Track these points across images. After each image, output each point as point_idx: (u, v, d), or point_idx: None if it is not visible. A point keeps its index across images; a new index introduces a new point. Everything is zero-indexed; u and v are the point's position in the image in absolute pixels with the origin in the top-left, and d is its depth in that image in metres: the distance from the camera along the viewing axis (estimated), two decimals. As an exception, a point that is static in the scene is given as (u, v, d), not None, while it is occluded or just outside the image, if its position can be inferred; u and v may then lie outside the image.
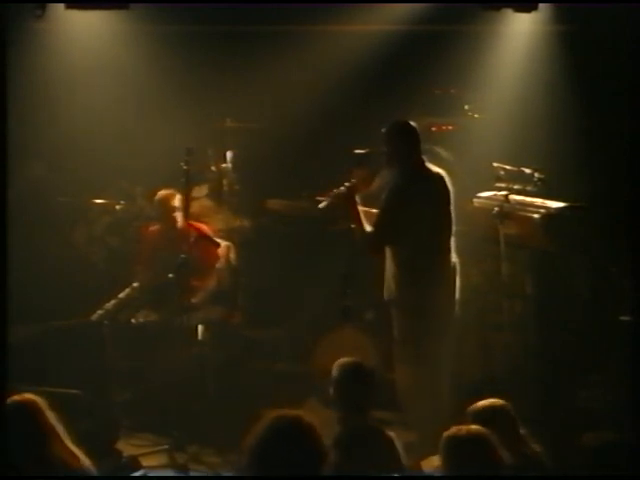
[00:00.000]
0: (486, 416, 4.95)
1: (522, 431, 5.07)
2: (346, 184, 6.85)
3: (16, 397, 4.74)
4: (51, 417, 4.71)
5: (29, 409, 4.70)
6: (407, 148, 6.81)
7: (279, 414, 3.60)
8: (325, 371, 5.73)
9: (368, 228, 6.75)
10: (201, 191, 8.92)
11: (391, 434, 5.39)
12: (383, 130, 6.84)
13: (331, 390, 5.41)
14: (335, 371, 5.38)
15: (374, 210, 6.88)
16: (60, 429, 4.71)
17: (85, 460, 4.72)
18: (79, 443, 4.90)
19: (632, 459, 4.63)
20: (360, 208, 6.83)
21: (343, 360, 5.44)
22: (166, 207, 8.06)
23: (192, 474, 6.92)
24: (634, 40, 7.40)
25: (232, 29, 8.92)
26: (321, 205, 6.99)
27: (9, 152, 7.08)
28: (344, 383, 5.30)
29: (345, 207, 6.88)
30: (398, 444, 5.33)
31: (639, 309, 6.89)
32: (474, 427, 4.46)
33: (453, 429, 4.45)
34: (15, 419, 4.68)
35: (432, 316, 6.77)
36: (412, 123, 6.89)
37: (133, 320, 8.00)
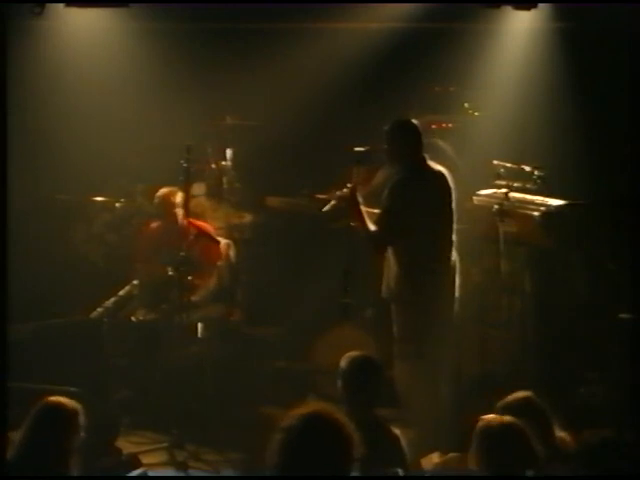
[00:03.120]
0: (517, 409, 4.91)
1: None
2: (348, 185, 6.88)
3: (54, 399, 4.74)
4: (82, 421, 4.72)
5: (66, 413, 4.69)
6: (409, 146, 6.85)
7: (304, 411, 3.57)
8: (325, 369, 5.72)
9: (373, 228, 6.78)
10: (201, 189, 8.92)
11: (396, 431, 5.37)
12: (385, 128, 6.88)
13: (339, 383, 5.37)
14: (344, 364, 5.34)
15: (376, 211, 6.90)
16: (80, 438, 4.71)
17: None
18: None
19: (631, 456, 4.63)
20: (363, 209, 6.85)
21: (352, 353, 5.40)
22: (167, 204, 8.07)
23: (191, 472, 6.92)
24: (634, 38, 7.42)
25: (232, 27, 8.92)
26: (325, 208, 7.05)
27: (9, 151, 7.13)
28: (353, 376, 5.25)
29: (348, 209, 6.91)
30: (403, 442, 5.32)
31: (638, 307, 6.92)
32: (508, 417, 4.47)
33: (488, 417, 4.48)
34: (50, 422, 4.66)
35: (432, 313, 6.80)
36: (414, 121, 6.94)
37: (133, 318, 8.02)
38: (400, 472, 4.42)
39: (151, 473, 6.47)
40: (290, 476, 3.48)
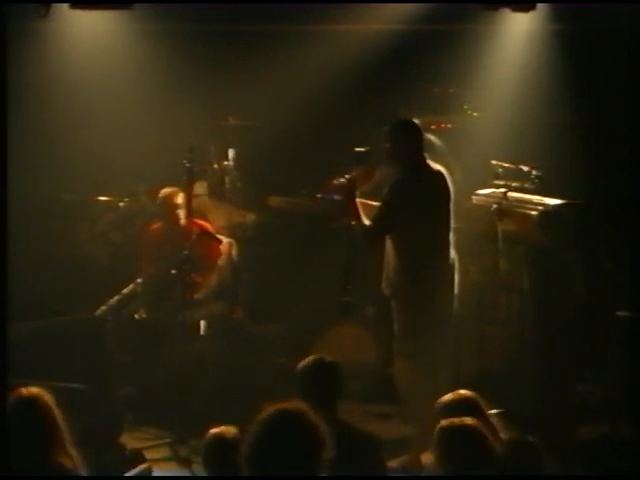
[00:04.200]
0: (454, 409, 4.91)
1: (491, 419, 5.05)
2: (346, 176, 6.95)
3: (24, 390, 4.59)
4: (57, 414, 4.58)
5: (39, 404, 4.54)
6: (409, 145, 6.90)
7: (279, 407, 3.58)
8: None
9: (366, 221, 6.83)
10: (203, 188, 8.95)
11: (368, 431, 5.35)
12: (386, 128, 6.93)
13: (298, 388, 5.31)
14: (298, 369, 5.31)
15: (372, 202, 6.96)
16: (64, 427, 4.59)
17: (79, 464, 4.57)
18: (83, 437, 4.91)
19: (628, 453, 4.68)
20: (359, 200, 6.91)
21: (306, 358, 5.35)
22: (169, 204, 8.09)
23: (194, 468, 6.88)
24: (633, 38, 7.45)
25: (234, 29, 8.95)
26: (320, 195, 7.10)
27: (14, 150, 7.15)
28: (305, 380, 5.23)
29: (344, 199, 6.98)
30: (377, 441, 5.28)
31: (635, 304, 6.94)
32: (466, 419, 4.50)
33: (446, 421, 4.49)
34: (24, 414, 4.51)
35: (431, 311, 6.85)
36: (415, 121, 7.00)
37: (136, 315, 8.07)
38: None
39: (154, 471, 6.52)
40: (290, 476, 3.48)
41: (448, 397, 5.06)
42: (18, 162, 7.78)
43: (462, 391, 5.14)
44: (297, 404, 3.67)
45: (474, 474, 4.33)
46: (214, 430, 4.69)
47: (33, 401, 4.55)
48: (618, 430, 5.02)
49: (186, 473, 6.89)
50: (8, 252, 4.95)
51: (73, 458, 4.52)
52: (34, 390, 4.61)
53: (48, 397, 4.59)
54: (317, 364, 5.26)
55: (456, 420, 4.48)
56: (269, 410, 3.55)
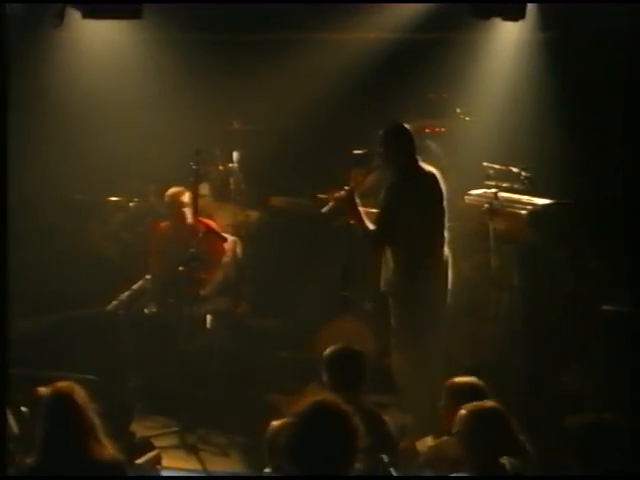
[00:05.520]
0: (464, 393, 5.20)
1: None
2: (346, 188, 7.11)
3: (60, 385, 4.74)
4: (87, 408, 4.72)
5: (75, 400, 4.68)
6: (402, 149, 7.09)
7: (315, 400, 3.68)
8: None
9: (370, 226, 7.03)
10: (209, 189, 9.11)
11: (385, 417, 5.54)
12: (379, 133, 7.11)
13: (323, 375, 5.56)
14: (326, 354, 5.55)
15: (373, 210, 7.15)
16: (96, 421, 4.74)
17: (116, 454, 4.71)
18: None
19: (614, 440, 4.91)
20: (361, 209, 7.10)
21: (332, 346, 5.61)
22: (176, 203, 8.23)
23: (201, 454, 7.15)
24: (628, 38, 7.58)
25: (238, 37, 9.09)
26: (324, 209, 7.25)
27: (29, 153, 7.41)
28: (333, 366, 5.47)
29: (346, 209, 7.16)
30: (391, 426, 5.51)
31: (619, 301, 7.17)
32: (491, 403, 4.71)
33: (471, 405, 4.68)
34: (61, 409, 4.65)
35: (426, 306, 7.04)
36: (406, 126, 7.17)
37: (146, 310, 8.24)
38: (385, 458, 4.39)
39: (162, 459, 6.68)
40: (290, 476, 3.59)
41: (459, 380, 5.36)
42: (33, 164, 8.16)
43: (468, 377, 5.43)
44: (330, 396, 3.78)
45: (499, 456, 4.46)
46: (277, 422, 4.70)
47: (63, 398, 4.69)
48: (604, 419, 5.24)
49: (193, 462, 7.11)
50: (9, 251, 5.19)
51: (107, 447, 4.69)
52: (68, 385, 4.78)
53: (80, 392, 4.75)
54: (344, 353, 5.53)
55: (482, 404, 4.69)
56: (305, 403, 3.64)
